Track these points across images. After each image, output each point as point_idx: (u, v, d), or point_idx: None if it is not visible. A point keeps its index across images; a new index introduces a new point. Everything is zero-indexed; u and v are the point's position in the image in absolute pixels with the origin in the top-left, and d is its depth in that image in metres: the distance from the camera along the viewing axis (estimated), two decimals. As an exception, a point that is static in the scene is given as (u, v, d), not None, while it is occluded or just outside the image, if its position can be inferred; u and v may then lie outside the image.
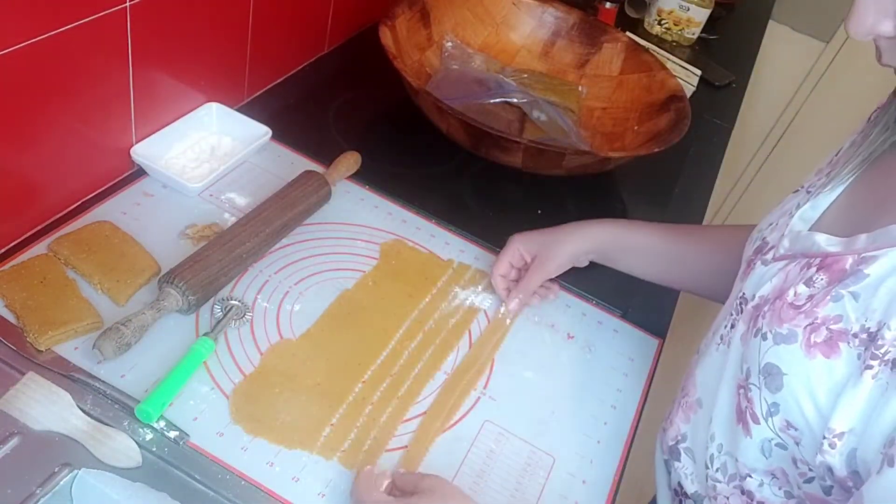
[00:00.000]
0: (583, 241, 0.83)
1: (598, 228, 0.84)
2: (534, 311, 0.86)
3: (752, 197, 2.31)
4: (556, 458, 0.72)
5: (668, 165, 1.19)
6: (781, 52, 2.04)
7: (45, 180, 0.75)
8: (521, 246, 0.84)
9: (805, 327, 0.52)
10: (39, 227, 0.77)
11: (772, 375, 0.54)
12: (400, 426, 0.70)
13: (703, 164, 1.26)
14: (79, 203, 0.81)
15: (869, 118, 0.62)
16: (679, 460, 0.66)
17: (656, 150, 0.98)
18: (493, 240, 0.93)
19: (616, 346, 0.85)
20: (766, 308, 0.56)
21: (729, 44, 1.68)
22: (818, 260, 0.54)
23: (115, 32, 0.74)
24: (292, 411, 0.68)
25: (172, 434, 0.63)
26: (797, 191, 0.65)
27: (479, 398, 0.75)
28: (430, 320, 0.81)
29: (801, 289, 0.54)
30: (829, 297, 0.51)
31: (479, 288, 0.87)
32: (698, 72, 1.47)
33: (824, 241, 0.55)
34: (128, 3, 0.73)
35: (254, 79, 1.03)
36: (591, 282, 0.91)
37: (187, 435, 0.63)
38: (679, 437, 0.66)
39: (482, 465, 0.69)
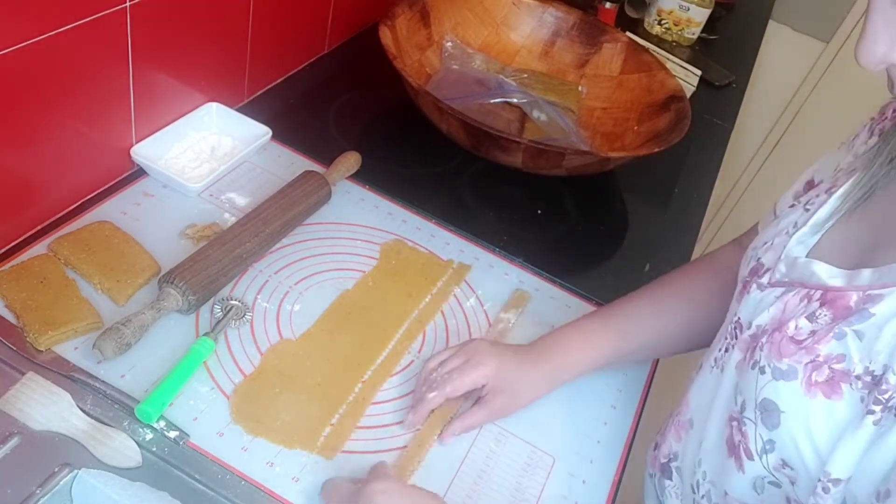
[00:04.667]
0: (559, 382, 0.73)
1: (573, 362, 0.73)
2: (534, 312, 0.86)
3: (752, 197, 2.31)
4: (556, 458, 0.72)
5: (668, 165, 1.19)
6: (781, 52, 2.04)
7: (45, 180, 0.75)
8: (491, 372, 0.70)
9: (806, 364, 0.50)
10: (39, 227, 0.77)
11: (769, 412, 0.52)
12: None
13: (703, 164, 1.26)
14: (79, 203, 0.81)
15: (871, 132, 0.60)
16: (670, 479, 0.65)
17: (656, 150, 0.98)
18: (493, 240, 0.93)
19: (616, 346, 0.85)
20: (763, 339, 0.54)
21: (729, 44, 1.68)
22: (819, 293, 0.52)
23: (115, 32, 0.74)
24: (292, 411, 0.68)
25: (172, 434, 0.63)
26: (793, 206, 0.62)
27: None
28: (430, 320, 0.81)
29: (803, 323, 0.52)
30: (831, 335, 0.49)
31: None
32: (698, 72, 1.47)
33: (825, 273, 0.53)
34: (128, 3, 0.73)
35: (254, 79, 1.03)
36: (591, 282, 0.91)
37: (187, 435, 0.63)
38: (671, 456, 0.66)
39: (482, 465, 0.69)
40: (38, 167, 0.73)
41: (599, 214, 1.08)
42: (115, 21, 0.73)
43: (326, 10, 1.14)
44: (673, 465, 0.65)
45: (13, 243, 0.74)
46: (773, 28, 1.98)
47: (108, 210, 0.81)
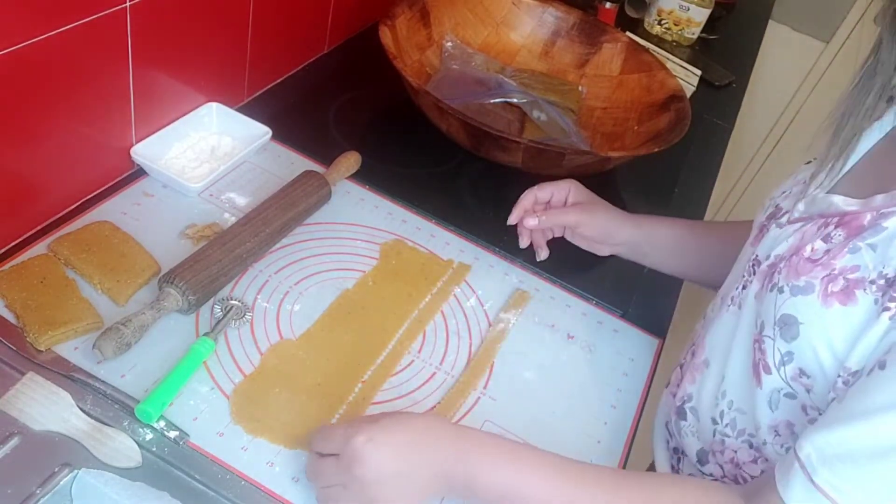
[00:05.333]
0: (624, 224, 0.84)
1: (640, 219, 0.85)
2: (534, 311, 0.86)
3: (753, 197, 2.31)
4: (557, 458, 0.72)
5: (668, 165, 1.19)
6: (781, 52, 2.04)
7: (45, 180, 0.75)
8: (573, 188, 0.84)
9: (822, 278, 0.53)
10: (39, 227, 0.77)
11: (787, 325, 0.55)
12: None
13: (703, 164, 1.26)
14: (79, 203, 0.81)
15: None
16: (685, 419, 0.67)
17: (656, 150, 0.98)
18: (493, 240, 0.93)
19: (616, 346, 0.85)
20: (781, 265, 0.58)
21: (729, 44, 1.68)
22: (836, 219, 0.56)
23: (115, 32, 0.74)
24: (292, 411, 0.68)
25: (172, 434, 0.63)
26: (809, 162, 0.66)
27: (479, 398, 0.75)
28: (430, 320, 0.81)
29: (819, 244, 0.55)
30: (846, 250, 0.53)
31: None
32: (698, 72, 1.47)
33: (842, 202, 0.57)
34: (128, 3, 0.73)
35: (254, 79, 1.03)
36: (591, 282, 0.91)
37: (187, 435, 0.63)
38: (685, 398, 0.68)
39: (482, 465, 0.69)
40: (39, 167, 0.73)
41: (599, 214, 1.08)
42: (115, 21, 0.73)
43: (326, 10, 1.14)
44: (687, 406, 0.67)
45: (13, 243, 0.74)
46: (773, 28, 1.98)
47: (108, 210, 0.81)
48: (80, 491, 0.58)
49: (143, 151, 0.85)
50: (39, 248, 0.74)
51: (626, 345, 0.86)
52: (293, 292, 0.79)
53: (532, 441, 0.72)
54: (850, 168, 0.61)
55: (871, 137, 0.61)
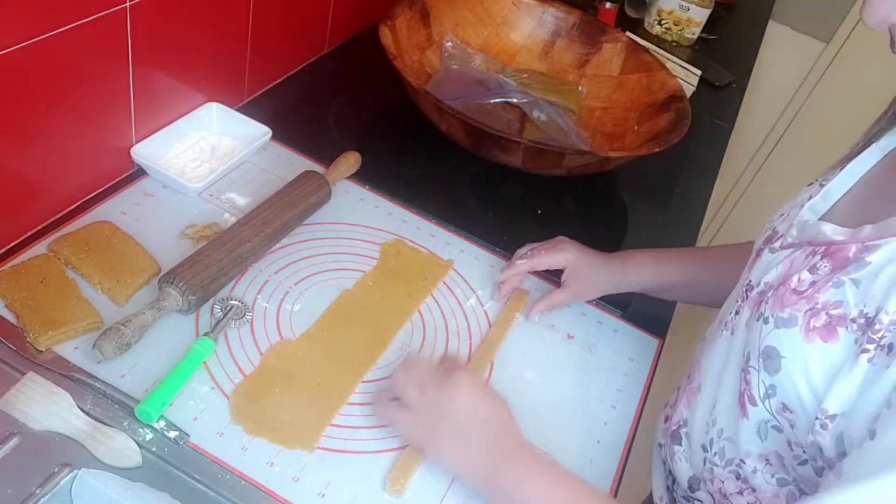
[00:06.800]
0: (624, 284, 0.84)
1: (641, 271, 0.84)
2: (534, 311, 0.86)
3: (752, 197, 2.31)
4: (556, 458, 0.72)
5: (668, 165, 1.19)
6: (781, 52, 2.04)
7: (45, 180, 0.75)
8: (572, 258, 0.82)
9: (805, 312, 0.53)
10: (39, 227, 0.77)
11: (770, 358, 0.54)
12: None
13: (703, 164, 1.26)
14: (79, 203, 0.81)
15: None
16: (679, 444, 0.67)
17: (656, 150, 0.98)
18: (493, 240, 0.93)
19: (616, 346, 0.85)
20: (769, 294, 0.57)
21: (729, 44, 1.68)
22: (823, 248, 0.55)
23: (115, 32, 0.74)
24: (292, 411, 0.68)
25: (172, 434, 0.63)
26: (811, 184, 0.65)
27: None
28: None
29: (805, 275, 0.55)
30: (830, 284, 0.52)
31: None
32: (698, 72, 1.47)
33: (831, 231, 0.56)
34: (128, 3, 0.73)
35: (254, 79, 1.03)
36: (591, 282, 0.91)
37: (187, 435, 0.63)
38: (681, 422, 0.67)
39: (482, 465, 0.69)
40: (39, 167, 0.73)
41: (599, 214, 1.08)
42: (115, 21, 0.73)
43: (326, 10, 1.14)
44: (682, 430, 0.67)
45: (13, 243, 0.74)
46: (773, 28, 1.98)
47: (108, 210, 0.81)
48: (80, 491, 0.58)
49: (143, 151, 0.85)
50: (39, 248, 0.74)
51: (626, 345, 0.86)
52: (293, 292, 0.79)
53: (532, 441, 0.72)
54: (846, 192, 0.60)
55: (869, 159, 0.60)
